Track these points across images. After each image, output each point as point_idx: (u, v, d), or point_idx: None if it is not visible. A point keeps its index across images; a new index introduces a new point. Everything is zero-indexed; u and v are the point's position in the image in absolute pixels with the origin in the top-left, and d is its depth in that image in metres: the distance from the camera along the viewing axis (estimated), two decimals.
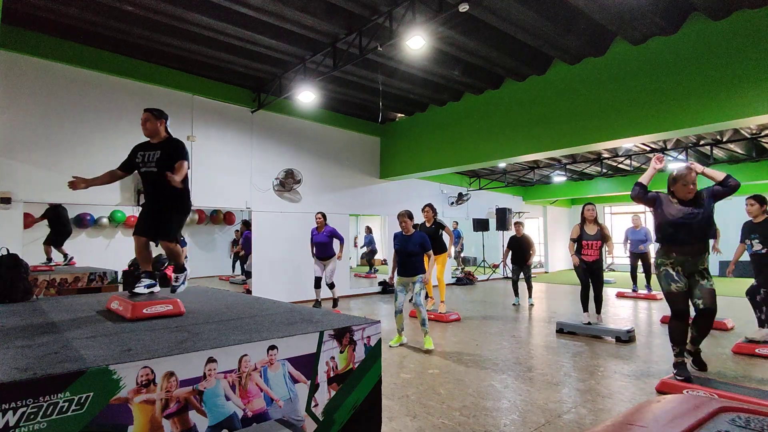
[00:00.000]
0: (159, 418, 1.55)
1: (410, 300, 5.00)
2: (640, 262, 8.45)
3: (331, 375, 2.06)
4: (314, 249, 6.89)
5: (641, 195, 3.60)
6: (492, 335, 5.44)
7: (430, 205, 6.67)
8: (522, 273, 7.85)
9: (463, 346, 4.92)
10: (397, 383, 3.70)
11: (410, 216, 4.97)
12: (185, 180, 2.96)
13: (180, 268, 3.16)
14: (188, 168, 2.93)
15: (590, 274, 5.63)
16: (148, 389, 1.53)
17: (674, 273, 3.44)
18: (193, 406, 1.63)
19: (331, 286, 6.87)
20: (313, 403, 1.98)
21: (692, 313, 3.46)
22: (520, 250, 7.75)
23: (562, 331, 5.51)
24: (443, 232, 6.81)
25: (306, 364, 1.98)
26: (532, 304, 7.82)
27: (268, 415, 1.83)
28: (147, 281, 2.87)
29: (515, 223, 7.98)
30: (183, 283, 3.15)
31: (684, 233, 3.39)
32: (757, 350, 4.37)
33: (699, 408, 0.97)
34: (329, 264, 6.86)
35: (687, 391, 3.23)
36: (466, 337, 5.36)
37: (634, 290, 8.72)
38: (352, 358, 2.16)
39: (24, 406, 1.28)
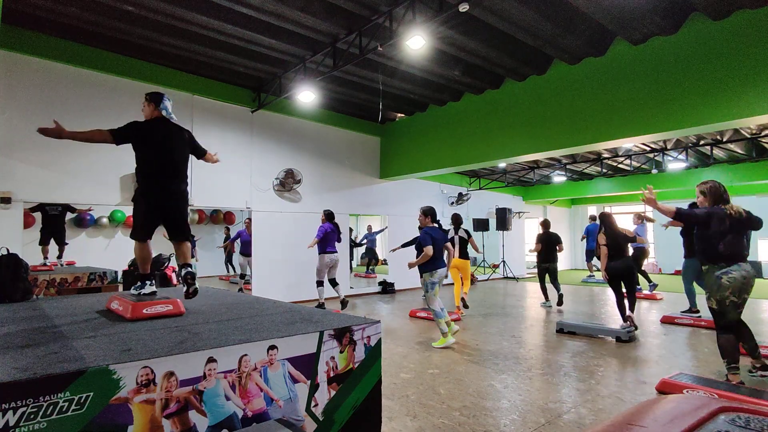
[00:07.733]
0: (159, 418, 1.55)
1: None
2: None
3: (331, 375, 2.06)
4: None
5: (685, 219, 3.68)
6: (492, 335, 5.44)
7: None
8: (549, 273, 7.55)
9: (463, 345, 4.92)
10: (397, 383, 3.70)
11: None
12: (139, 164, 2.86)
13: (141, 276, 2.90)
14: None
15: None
16: (148, 389, 1.53)
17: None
18: (193, 406, 1.63)
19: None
20: (313, 403, 1.98)
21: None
22: (550, 246, 7.53)
23: (562, 331, 5.51)
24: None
25: (306, 364, 1.98)
26: (549, 306, 7.72)
27: (268, 415, 1.83)
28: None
29: (541, 222, 7.83)
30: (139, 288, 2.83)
31: None
32: None
33: (699, 408, 0.97)
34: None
35: (687, 391, 3.23)
36: (466, 336, 5.36)
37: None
38: (352, 358, 2.16)
39: (24, 406, 1.28)
